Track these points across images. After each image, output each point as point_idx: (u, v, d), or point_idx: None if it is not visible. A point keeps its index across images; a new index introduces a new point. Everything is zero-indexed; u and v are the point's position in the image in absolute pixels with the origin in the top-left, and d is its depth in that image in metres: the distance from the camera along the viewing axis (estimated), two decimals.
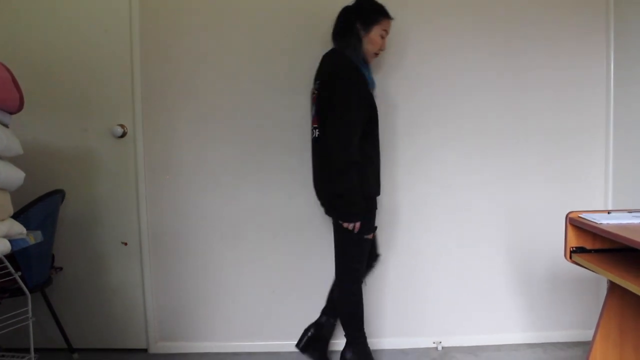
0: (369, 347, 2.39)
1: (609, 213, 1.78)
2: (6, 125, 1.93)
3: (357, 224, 2.15)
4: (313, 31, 2.56)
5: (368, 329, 2.47)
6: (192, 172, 2.65)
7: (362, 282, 2.35)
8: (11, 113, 1.95)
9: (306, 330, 2.49)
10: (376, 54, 2.29)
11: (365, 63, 2.28)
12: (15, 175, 1.93)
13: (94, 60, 2.62)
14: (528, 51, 2.61)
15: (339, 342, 2.53)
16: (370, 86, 2.23)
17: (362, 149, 2.13)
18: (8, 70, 1.91)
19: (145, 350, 2.73)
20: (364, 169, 2.16)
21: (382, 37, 2.26)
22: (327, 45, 2.40)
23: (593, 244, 1.79)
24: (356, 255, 2.30)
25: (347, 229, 2.16)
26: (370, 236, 2.29)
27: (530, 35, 2.61)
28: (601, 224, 1.62)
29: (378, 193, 2.31)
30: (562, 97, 2.63)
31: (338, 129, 2.08)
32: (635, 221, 1.65)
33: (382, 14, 2.24)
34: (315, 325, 2.49)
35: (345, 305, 2.37)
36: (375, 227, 2.35)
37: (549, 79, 2.62)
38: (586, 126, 2.65)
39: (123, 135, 2.63)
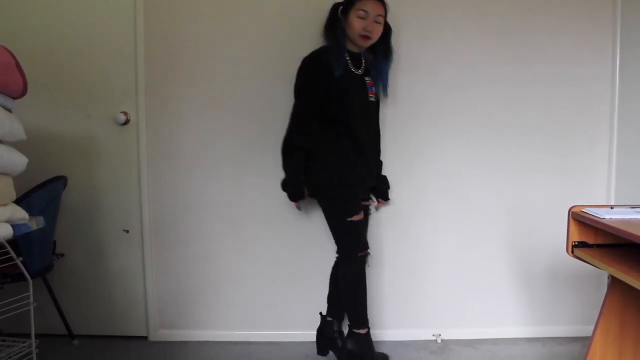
0: (371, 338, 2.39)
1: (611, 208, 1.77)
2: (9, 110, 1.92)
3: (295, 204, 2.44)
4: (316, 22, 2.53)
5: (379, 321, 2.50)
6: (195, 161, 2.65)
7: (363, 263, 2.35)
8: (14, 98, 1.94)
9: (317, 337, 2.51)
10: (364, 37, 2.26)
11: (355, 49, 2.34)
12: (18, 161, 1.93)
13: (97, 47, 2.62)
14: (531, 46, 2.59)
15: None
16: (337, 72, 2.22)
17: (325, 136, 2.29)
18: (12, 54, 1.90)
19: (146, 337, 2.74)
20: (326, 155, 2.30)
21: (361, 18, 2.22)
22: None
23: (595, 239, 1.78)
24: (344, 234, 2.34)
25: (328, 209, 2.35)
26: (353, 218, 2.28)
27: (534, 29, 2.59)
28: (604, 218, 1.62)
29: (353, 181, 2.31)
30: (566, 92, 2.61)
31: (291, 116, 2.32)
32: (638, 216, 1.65)
33: None
34: (318, 330, 2.51)
35: (347, 289, 2.37)
36: (362, 212, 2.33)
37: (552, 73, 2.60)
38: (589, 122, 2.64)
39: (126, 122, 2.63)
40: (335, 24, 2.30)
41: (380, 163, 2.55)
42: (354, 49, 2.35)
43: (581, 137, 2.64)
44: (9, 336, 2.15)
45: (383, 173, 2.56)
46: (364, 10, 2.22)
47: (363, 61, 2.38)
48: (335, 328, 2.47)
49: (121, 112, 2.61)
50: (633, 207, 1.81)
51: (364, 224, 2.42)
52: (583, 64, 2.61)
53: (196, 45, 2.61)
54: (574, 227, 1.79)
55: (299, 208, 2.52)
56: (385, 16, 2.30)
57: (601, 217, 1.63)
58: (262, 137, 2.62)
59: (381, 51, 2.38)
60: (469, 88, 2.60)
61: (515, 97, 2.61)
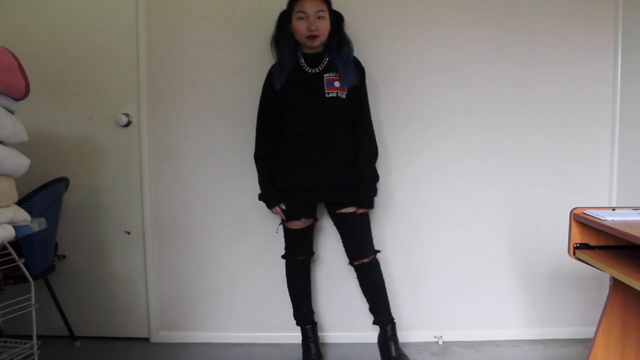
0: (305, 341, 2.49)
1: (613, 210, 1.77)
2: (12, 112, 1.93)
3: (274, 209, 2.39)
4: None
5: (369, 322, 2.49)
6: (196, 162, 2.66)
7: (294, 270, 2.49)
8: (17, 99, 1.94)
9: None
10: (311, 37, 2.24)
11: (314, 49, 2.32)
12: (20, 162, 1.94)
13: (99, 49, 2.62)
14: (532, 46, 2.58)
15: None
16: (277, 85, 2.28)
17: (283, 144, 2.36)
18: (14, 56, 1.90)
19: (147, 339, 2.74)
20: (278, 163, 2.36)
21: (302, 19, 2.23)
22: None
23: (597, 241, 1.78)
24: (284, 238, 2.47)
25: None
26: (289, 225, 2.39)
27: (534, 29, 2.58)
28: (606, 220, 1.61)
29: (285, 187, 2.34)
30: (567, 92, 2.60)
31: None
32: None
33: (292, 1, 2.27)
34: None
35: None
36: (301, 219, 2.37)
37: (553, 74, 2.60)
38: (591, 123, 2.62)
39: (128, 124, 2.63)
40: (281, 33, 2.32)
41: (363, 160, 2.37)
42: (313, 50, 2.32)
43: (583, 138, 2.63)
44: (10, 337, 2.15)
45: (381, 173, 2.47)
46: (302, 12, 2.22)
47: (325, 59, 2.33)
48: (388, 334, 2.45)
49: (123, 114, 2.62)
50: (635, 208, 1.81)
51: (305, 232, 2.43)
52: (584, 64, 2.60)
53: (198, 48, 2.61)
54: (575, 229, 1.79)
55: (277, 214, 2.41)
56: (328, 9, 2.27)
57: (603, 218, 1.63)
58: None
59: (333, 42, 2.31)
60: (469, 89, 2.60)
61: (516, 97, 2.60)
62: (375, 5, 2.55)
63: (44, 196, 2.35)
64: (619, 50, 2.58)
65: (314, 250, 2.57)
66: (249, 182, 2.63)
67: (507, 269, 2.69)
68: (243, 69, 2.61)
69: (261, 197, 2.41)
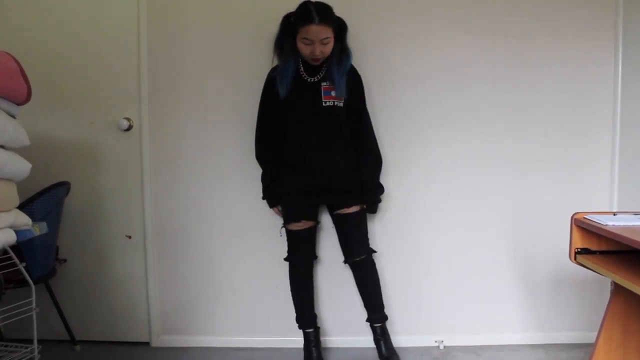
0: (306, 346, 2.49)
1: (614, 215, 1.77)
2: (13, 116, 1.94)
3: (273, 209, 2.53)
4: None
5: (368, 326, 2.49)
6: (197, 167, 2.66)
7: (296, 272, 2.48)
8: (18, 104, 1.95)
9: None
10: (313, 59, 2.25)
11: (309, 64, 2.31)
12: (21, 167, 1.94)
13: (101, 53, 2.63)
14: (531, 50, 2.58)
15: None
16: (282, 93, 2.27)
17: (283, 148, 2.39)
18: (16, 61, 1.91)
19: (148, 343, 2.74)
20: (280, 166, 2.42)
21: (306, 44, 2.19)
22: None
23: (598, 246, 1.79)
24: (287, 240, 2.47)
25: None
26: (290, 227, 2.41)
27: (534, 33, 2.57)
28: (607, 225, 1.62)
29: (286, 189, 2.39)
30: (567, 96, 2.60)
31: None
32: None
33: (297, 24, 2.20)
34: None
35: None
36: (302, 222, 2.39)
37: (553, 78, 2.59)
38: (592, 127, 2.62)
39: (129, 128, 2.63)
40: (284, 40, 2.28)
41: (367, 169, 2.45)
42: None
43: (584, 142, 2.62)
44: (11, 341, 2.15)
45: (384, 179, 2.53)
46: (307, 38, 2.19)
47: (324, 68, 2.32)
48: (378, 333, 2.48)
49: (124, 118, 2.62)
50: (636, 213, 1.81)
51: (305, 234, 2.44)
52: (585, 68, 2.59)
53: (199, 52, 2.62)
54: (576, 234, 1.80)
55: (278, 214, 2.54)
56: (333, 30, 2.22)
57: (604, 224, 1.63)
58: None
59: (335, 52, 2.28)
60: (468, 93, 2.60)
61: (516, 101, 2.60)
62: (372, 9, 2.55)
63: (45, 200, 2.35)
64: (620, 54, 2.57)
65: (317, 255, 2.57)
66: (250, 187, 2.63)
67: (508, 274, 2.68)
68: (244, 74, 2.61)
69: (263, 197, 2.49)
